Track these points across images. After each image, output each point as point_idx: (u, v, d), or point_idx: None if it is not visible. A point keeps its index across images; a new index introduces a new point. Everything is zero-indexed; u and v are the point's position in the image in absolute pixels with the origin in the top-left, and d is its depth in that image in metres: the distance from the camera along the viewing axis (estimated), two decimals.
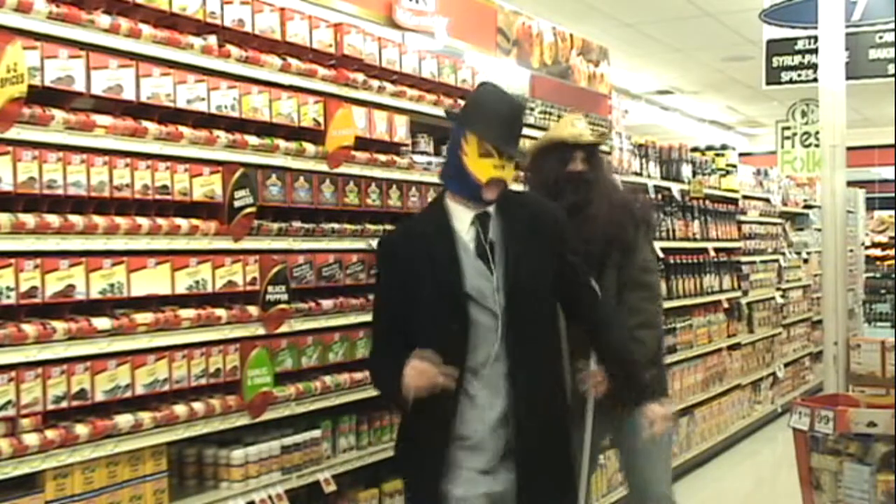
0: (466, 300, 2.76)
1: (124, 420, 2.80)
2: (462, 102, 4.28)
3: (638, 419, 3.10)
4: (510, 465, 2.79)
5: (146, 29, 2.97)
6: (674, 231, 6.64)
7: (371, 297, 3.69)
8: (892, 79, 5.92)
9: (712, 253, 7.31)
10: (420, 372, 2.67)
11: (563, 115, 3.58)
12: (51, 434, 2.62)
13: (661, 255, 5.57)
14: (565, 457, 2.92)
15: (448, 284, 2.77)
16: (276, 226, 3.37)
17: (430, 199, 4.07)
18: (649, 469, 3.60)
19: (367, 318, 3.69)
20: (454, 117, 3.02)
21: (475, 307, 2.77)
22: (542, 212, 2.96)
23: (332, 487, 3.49)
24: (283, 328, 3.35)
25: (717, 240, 7.44)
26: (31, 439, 2.58)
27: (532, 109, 4.85)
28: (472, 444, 2.78)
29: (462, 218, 2.84)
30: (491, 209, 2.86)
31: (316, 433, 3.49)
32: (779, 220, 9.25)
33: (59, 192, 2.71)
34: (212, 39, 3.19)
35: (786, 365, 9.08)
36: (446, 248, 2.81)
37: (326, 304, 3.54)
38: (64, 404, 2.68)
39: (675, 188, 6.74)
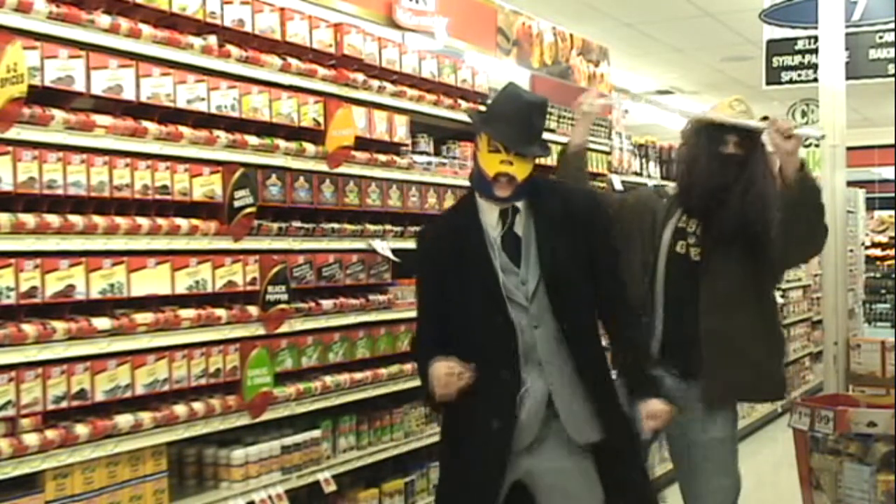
0: (502, 294, 2.83)
1: (124, 420, 2.80)
2: (462, 103, 4.31)
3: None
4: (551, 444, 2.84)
5: (146, 29, 2.97)
6: None
7: (370, 297, 3.73)
8: (892, 79, 5.91)
9: None
10: (444, 384, 2.73)
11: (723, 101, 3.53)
12: (51, 434, 2.62)
13: None
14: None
15: (485, 280, 2.85)
16: (276, 226, 3.37)
17: (432, 198, 4.12)
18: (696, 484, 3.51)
19: (367, 318, 3.71)
20: (472, 117, 3.08)
21: (509, 301, 2.84)
22: (574, 200, 2.99)
23: (332, 487, 3.49)
24: (283, 328, 3.35)
25: None
26: (31, 439, 2.58)
27: None
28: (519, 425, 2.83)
29: (489, 213, 2.90)
30: (519, 204, 2.92)
31: (316, 433, 3.49)
32: None
33: (59, 192, 2.71)
34: (212, 39, 3.19)
35: (786, 365, 9.07)
36: (478, 243, 2.88)
37: (326, 304, 3.54)
38: (64, 404, 2.68)
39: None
